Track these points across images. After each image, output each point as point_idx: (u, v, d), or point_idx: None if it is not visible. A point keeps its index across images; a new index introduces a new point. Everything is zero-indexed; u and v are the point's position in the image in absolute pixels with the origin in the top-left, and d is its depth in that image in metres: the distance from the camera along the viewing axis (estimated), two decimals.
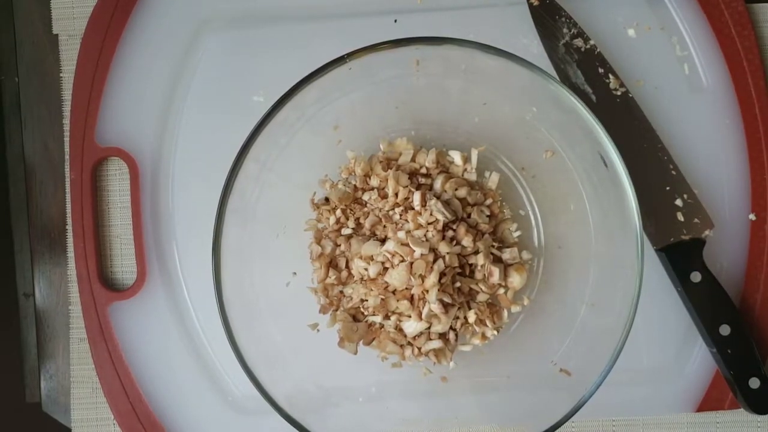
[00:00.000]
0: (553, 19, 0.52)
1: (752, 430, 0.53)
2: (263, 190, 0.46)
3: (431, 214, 0.45)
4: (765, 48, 0.54)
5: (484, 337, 0.48)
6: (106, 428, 0.53)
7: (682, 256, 0.51)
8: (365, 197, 0.47)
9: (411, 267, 0.45)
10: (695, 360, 0.52)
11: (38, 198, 0.55)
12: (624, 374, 0.52)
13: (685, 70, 0.53)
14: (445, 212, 0.45)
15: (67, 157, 0.53)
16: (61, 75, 0.54)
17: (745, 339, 0.50)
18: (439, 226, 0.45)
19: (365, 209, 0.47)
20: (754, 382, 0.50)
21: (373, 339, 0.48)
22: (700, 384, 0.52)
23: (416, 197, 0.45)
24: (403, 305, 0.46)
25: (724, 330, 0.50)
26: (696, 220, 0.51)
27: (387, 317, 0.47)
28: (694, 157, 0.53)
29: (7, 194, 0.56)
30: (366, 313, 0.47)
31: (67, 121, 0.54)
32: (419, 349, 0.47)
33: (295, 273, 0.49)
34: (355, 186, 0.48)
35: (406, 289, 0.46)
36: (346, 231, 0.47)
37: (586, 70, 0.52)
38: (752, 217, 0.52)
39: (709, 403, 0.52)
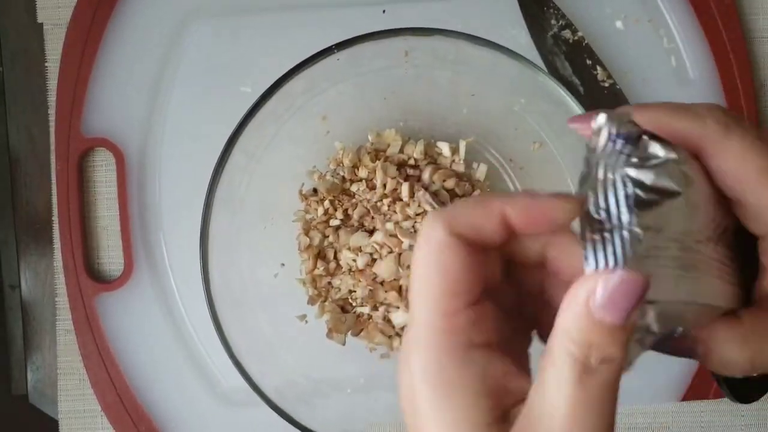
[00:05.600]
0: (542, 11, 0.52)
1: (736, 419, 0.54)
2: (251, 181, 0.46)
3: (419, 206, 0.45)
4: (751, 41, 0.54)
5: None
6: (94, 419, 0.53)
7: None
8: (353, 188, 0.47)
9: (399, 258, 0.45)
10: None
11: (23, 189, 0.55)
12: None
13: (672, 63, 0.53)
14: (434, 203, 0.45)
15: (52, 147, 0.53)
16: (46, 65, 0.54)
17: None
18: None
19: (353, 200, 0.47)
20: None
21: (362, 330, 0.48)
22: (684, 374, 0.53)
23: (404, 188, 0.45)
24: (392, 296, 0.46)
25: None
26: None
27: (375, 308, 0.47)
28: None
29: None
30: (354, 304, 0.47)
31: (52, 111, 0.53)
32: None
33: (283, 264, 0.49)
34: (343, 177, 0.48)
35: (395, 280, 0.46)
36: (334, 222, 0.47)
37: (574, 62, 0.52)
38: None
39: (693, 392, 0.53)
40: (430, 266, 0.23)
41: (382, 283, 0.46)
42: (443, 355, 0.23)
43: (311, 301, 0.48)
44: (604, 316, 0.21)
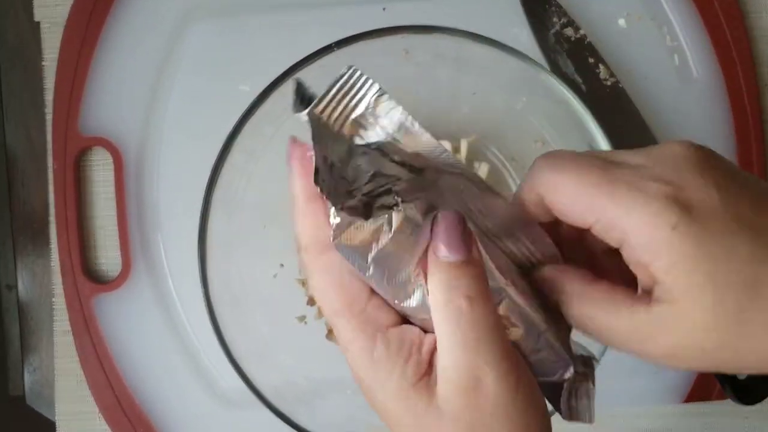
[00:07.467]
0: (544, 8, 0.52)
1: (739, 421, 0.53)
2: (250, 181, 0.46)
3: None
4: (755, 39, 0.54)
5: None
6: (91, 421, 0.53)
7: None
8: None
9: None
10: None
11: (20, 188, 0.54)
12: (611, 366, 0.52)
13: (675, 61, 0.53)
14: None
15: (49, 146, 0.52)
16: (43, 63, 0.53)
17: None
18: None
19: None
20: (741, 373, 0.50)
21: None
22: (687, 375, 0.53)
23: None
24: None
25: None
26: None
27: None
28: None
29: None
30: None
31: (49, 110, 0.53)
32: None
33: (282, 264, 0.49)
34: None
35: None
36: None
37: (577, 60, 0.51)
38: None
39: (696, 394, 0.52)
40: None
41: None
42: (369, 341, 0.27)
43: (310, 302, 0.48)
44: (448, 255, 0.26)
